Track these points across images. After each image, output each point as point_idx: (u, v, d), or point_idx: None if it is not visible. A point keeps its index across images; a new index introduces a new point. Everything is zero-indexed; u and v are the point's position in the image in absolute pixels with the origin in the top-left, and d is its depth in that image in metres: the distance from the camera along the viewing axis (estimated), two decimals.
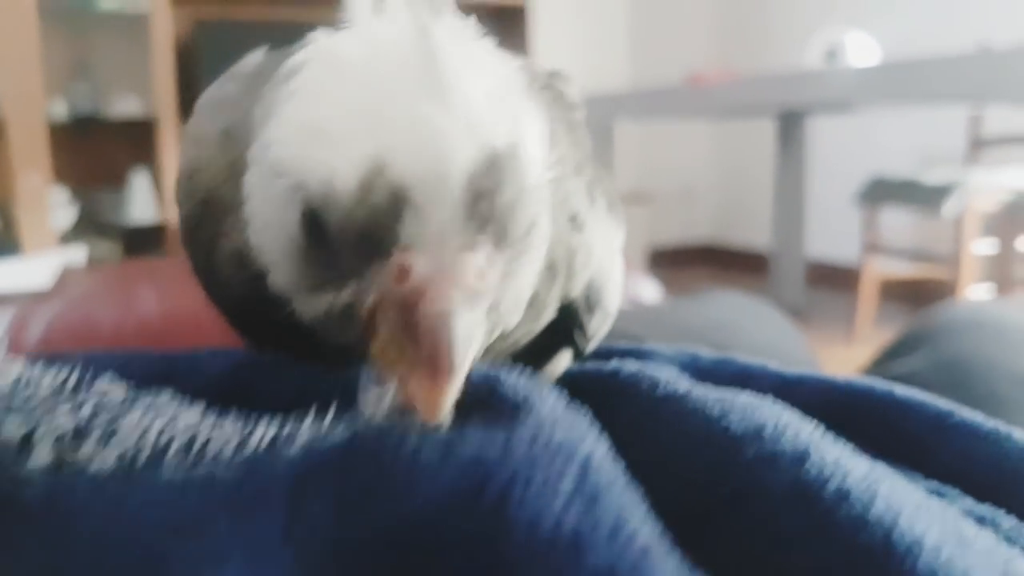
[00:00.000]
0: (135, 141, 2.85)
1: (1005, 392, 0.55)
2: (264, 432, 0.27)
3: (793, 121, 2.30)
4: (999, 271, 2.50)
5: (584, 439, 0.25)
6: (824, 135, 3.06)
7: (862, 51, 2.14)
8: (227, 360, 0.34)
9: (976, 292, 2.33)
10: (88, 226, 2.76)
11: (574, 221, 0.35)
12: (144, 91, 2.81)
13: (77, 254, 2.40)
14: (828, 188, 3.16)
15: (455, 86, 0.26)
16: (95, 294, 0.74)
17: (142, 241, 2.82)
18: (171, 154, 2.73)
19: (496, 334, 0.29)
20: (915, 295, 2.77)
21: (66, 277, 0.79)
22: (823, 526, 0.26)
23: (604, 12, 3.98)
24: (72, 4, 2.71)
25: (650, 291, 1.02)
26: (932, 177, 2.39)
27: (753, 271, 3.60)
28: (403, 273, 0.25)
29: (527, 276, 0.30)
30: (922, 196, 2.35)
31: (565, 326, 0.38)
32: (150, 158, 2.84)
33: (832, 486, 0.27)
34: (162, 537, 0.22)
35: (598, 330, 0.41)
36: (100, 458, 0.25)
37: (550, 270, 0.33)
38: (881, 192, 2.51)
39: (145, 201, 2.84)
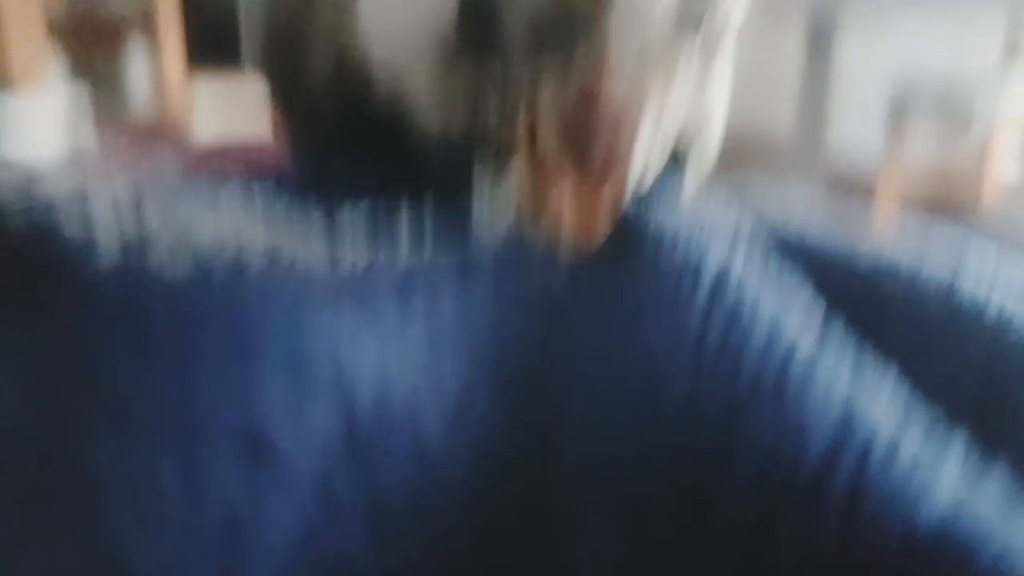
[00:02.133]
0: (134, 8, 2.75)
1: None
2: (357, 256, 0.24)
3: (825, 22, 2.21)
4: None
5: (714, 253, 0.23)
6: (855, 38, 2.97)
7: None
8: (292, 185, 0.31)
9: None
10: (81, 91, 2.70)
11: None
12: None
13: (86, 127, 2.35)
14: (854, 101, 3.08)
15: None
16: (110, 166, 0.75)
17: (135, 109, 2.76)
18: (170, 21, 2.65)
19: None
20: (936, 213, 2.74)
21: (78, 152, 0.78)
22: (988, 351, 0.24)
23: None
24: None
25: None
26: (963, 90, 2.33)
27: (769, 170, 3.55)
28: (599, 62, 0.22)
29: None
30: (952, 108, 2.30)
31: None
32: (149, 26, 2.76)
33: (991, 314, 0.25)
34: (257, 327, 0.20)
35: (698, 170, 0.39)
36: (173, 267, 0.23)
37: None
38: (910, 102, 2.45)
39: (142, 70, 2.77)
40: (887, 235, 0.32)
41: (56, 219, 0.24)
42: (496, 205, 0.26)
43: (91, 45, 2.77)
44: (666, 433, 0.19)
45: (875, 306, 0.26)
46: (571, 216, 0.23)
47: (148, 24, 2.75)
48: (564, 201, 0.23)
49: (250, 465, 0.18)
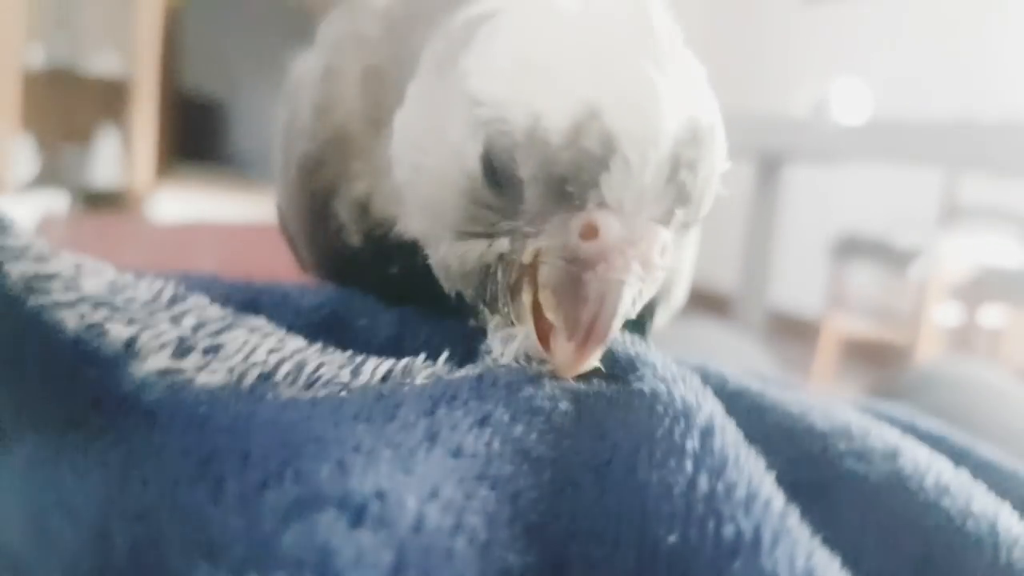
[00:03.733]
0: (110, 100, 2.78)
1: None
2: (376, 365, 0.26)
3: (771, 168, 2.31)
4: (960, 341, 2.53)
5: (702, 401, 0.25)
6: (798, 185, 3.08)
7: (850, 104, 2.15)
8: (317, 296, 0.33)
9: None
10: (50, 181, 2.68)
11: None
12: (126, 51, 2.74)
13: (58, 201, 2.32)
14: (797, 238, 3.18)
15: (669, 53, 0.26)
16: (81, 248, 0.76)
17: (103, 203, 2.75)
18: (145, 116, 2.66)
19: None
20: (874, 356, 2.79)
21: (48, 226, 0.77)
22: (926, 514, 0.26)
23: None
24: None
25: None
26: (902, 239, 2.42)
27: (713, 312, 3.61)
28: (592, 231, 0.25)
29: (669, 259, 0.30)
30: (890, 257, 2.38)
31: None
32: (122, 118, 2.78)
33: (930, 480, 0.27)
34: (302, 444, 0.21)
35: (662, 323, 0.41)
36: (208, 371, 0.24)
37: None
38: (851, 248, 2.53)
39: (111, 162, 2.77)
40: (829, 382, 0.34)
41: (102, 318, 0.24)
42: (506, 339, 0.28)
43: (64, 136, 2.77)
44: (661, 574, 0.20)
45: (824, 465, 0.28)
46: (565, 358, 0.25)
47: (122, 118, 2.77)
48: (559, 347, 0.25)
49: None
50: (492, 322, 0.29)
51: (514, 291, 0.27)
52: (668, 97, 0.25)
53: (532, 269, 0.26)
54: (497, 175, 0.26)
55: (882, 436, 0.29)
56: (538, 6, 0.28)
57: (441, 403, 0.23)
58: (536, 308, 0.27)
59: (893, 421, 0.37)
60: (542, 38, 0.27)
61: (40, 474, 0.21)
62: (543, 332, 0.26)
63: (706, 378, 0.32)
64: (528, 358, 0.27)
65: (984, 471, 0.34)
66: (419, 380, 0.26)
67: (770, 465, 0.24)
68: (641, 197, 0.25)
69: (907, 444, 0.29)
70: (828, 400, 0.33)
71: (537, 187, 0.26)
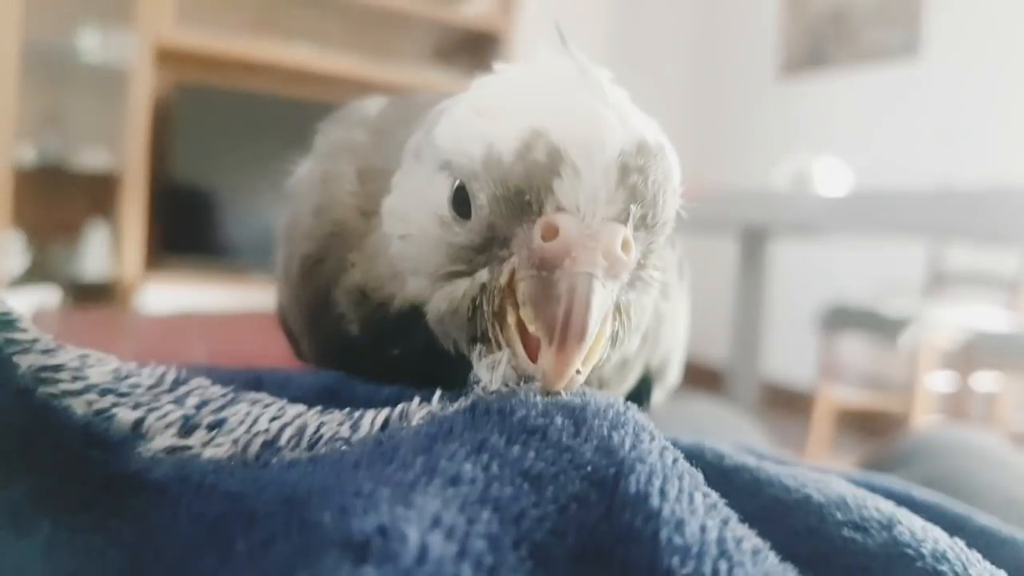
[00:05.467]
0: (99, 195, 2.80)
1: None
2: (374, 416, 0.27)
3: (756, 241, 2.34)
4: (954, 407, 2.52)
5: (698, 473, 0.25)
6: (785, 258, 3.11)
7: (830, 178, 2.19)
8: (319, 376, 0.34)
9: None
10: (40, 276, 2.68)
11: (664, 290, 0.36)
12: (115, 146, 2.78)
13: (49, 296, 2.32)
14: (786, 311, 3.20)
15: (608, 93, 0.28)
16: (73, 341, 0.78)
17: (91, 296, 2.74)
18: (134, 209, 2.68)
19: (616, 353, 0.29)
20: (869, 425, 2.78)
21: (40, 319, 0.78)
22: None
23: None
24: (55, 53, 2.69)
25: None
26: (891, 308, 2.43)
27: (705, 386, 3.59)
28: (551, 230, 0.26)
29: (651, 296, 0.31)
30: (880, 327, 2.39)
31: (633, 397, 0.38)
32: (111, 213, 2.79)
33: (928, 547, 0.27)
34: (305, 498, 0.21)
35: (658, 402, 0.42)
36: (213, 446, 0.25)
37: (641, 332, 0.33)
38: (840, 319, 2.54)
39: (100, 256, 2.78)
40: (825, 453, 0.35)
41: (109, 404, 0.26)
42: (492, 366, 0.28)
43: (53, 232, 2.78)
44: None
45: (822, 535, 0.29)
46: (550, 366, 0.26)
47: (111, 212, 2.79)
48: (543, 356, 0.26)
49: None
50: (476, 351, 0.29)
51: (499, 317, 0.28)
52: (610, 118, 0.27)
53: (511, 290, 0.28)
54: (464, 208, 0.29)
55: (878, 506, 0.30)
56: (491, 78, 0.31)
57: (437, 439, 0.24)
58: (522, 328, 0.28)
59: (889, 493, 0.37)
60: (495, 92, 0.30)
61: (58, 556, 0.22)
62: (532, 351, 0.27)
63: (703, 455, 0.33)
64: (517, 380, 0.27)
65: (981, 538, 0.34)
66: (415, 421, 0.26)
67: (768, 537, 0.24)
68: (595, 198, 0.27)
69: (904, 513, 0.30)
70: (824, 475, 0.33)
71: (499, 207, 0.28)
